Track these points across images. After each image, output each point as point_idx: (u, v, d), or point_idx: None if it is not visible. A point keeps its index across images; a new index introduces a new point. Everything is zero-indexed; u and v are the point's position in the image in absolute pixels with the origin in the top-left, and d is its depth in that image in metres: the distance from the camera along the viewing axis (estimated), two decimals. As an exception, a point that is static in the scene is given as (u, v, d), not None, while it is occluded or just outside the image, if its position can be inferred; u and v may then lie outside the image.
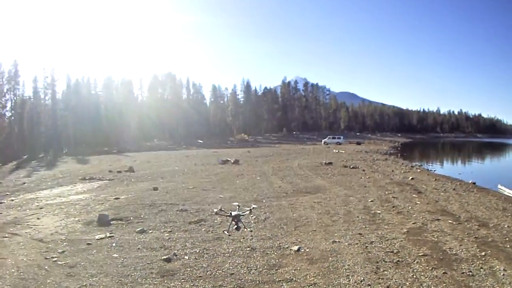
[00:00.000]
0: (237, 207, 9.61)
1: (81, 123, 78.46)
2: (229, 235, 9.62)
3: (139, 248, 11.49)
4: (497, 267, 9.91)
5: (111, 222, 14.47)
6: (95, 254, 10.86)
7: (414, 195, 20.38)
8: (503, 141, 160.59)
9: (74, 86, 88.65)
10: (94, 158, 52.51)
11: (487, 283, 8.94)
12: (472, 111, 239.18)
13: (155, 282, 9.00)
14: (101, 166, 40.87)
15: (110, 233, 12.91)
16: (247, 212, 9.40)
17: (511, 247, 11.64)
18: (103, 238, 12.45)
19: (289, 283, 9.08)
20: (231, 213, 8.86)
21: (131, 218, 15.16)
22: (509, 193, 23.86)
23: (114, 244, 11.80)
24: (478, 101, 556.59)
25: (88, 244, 11.81)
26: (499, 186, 26.25)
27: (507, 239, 12.46)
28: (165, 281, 9.08)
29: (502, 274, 9.48)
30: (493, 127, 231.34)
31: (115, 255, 10.83)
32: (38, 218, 15.21)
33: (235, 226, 8.84)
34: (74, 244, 11.76)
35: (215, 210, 10.93)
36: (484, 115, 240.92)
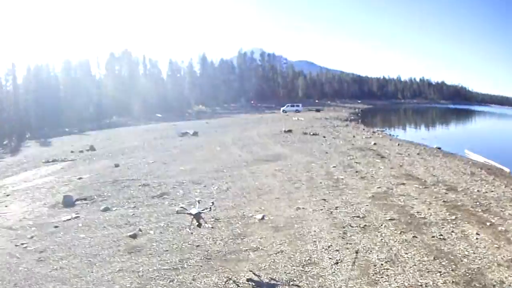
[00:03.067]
0: (197, 202, 9.73)
1: (42, 107, 77.04)
2: (192, 233, 9.71)
3: (104, 227, 11.58)
4: (470, 231, 10.10)
5: (76, 203, 14.49)
6: (62, 236, 10.89)
7: (377, 160, 20.74)
8: (467, 107, 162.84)
9: (34, 70, 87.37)
10: (56, 140, 51.52)
11: (460, 247, 9.09)
12: (435, 79, 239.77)
13: (123, 260, 9.07)
14: (63, 147, 40.15)
15: (75, 214, 12.97)
16: (208, 210, 9.54)
17: (482, 212, 11.87)
18: (69, 219, 12.48)
19: (256, 251, 9.24)
20: (191, 212, 8.97)
21: (95, 196, 15.18)
22: (477, 158, 24.19)
23: (80, 225, 11.85)
24: (441, 69, 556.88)
25: (56, 227, 11.81)
26: (466, 151, 26.71)
27: (477, 203, 12.71)
28: (133, 258, 9.16)
29: (475, 238, 9.65)
30: (457, 94, 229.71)
31: (82, 235, 10.89)
32: (6, 206, 15.09)
33: (197, 224, 8.96)
34: (42, 228, 11.75)
35: (176, 209, 11.03)
36: (448, 83, 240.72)
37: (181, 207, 9.99)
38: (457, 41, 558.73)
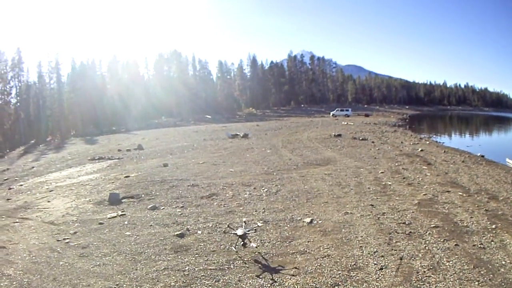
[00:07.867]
0: (244, 223, 9.82)
1: (88, 105, 77.62)
2: (236, 252, 9.68)
3: (151, 225, 11.60)
4: (508, 240, 9.86)
5: (123, 201, 14.57)
6: (107, 233, 10.96)
7: (424, 167, 20.30)
8: (510, 115, 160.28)
9: (79, 69, 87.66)
10: (103, 138, 52.27)
11: (498, 256, 8.91)
12: (478, 85, 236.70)
13: (169, 258, 9.07)
14: (110, 145, 40.78)
15: (121, 212, 13.04)
16: (253, 231, 9.60)
17: (520, 222, 11.61)
18: (115, 216, 12.55)
19: (303, 255, 9.13)
20: (236, 233, 9.04)
21: (142, 195, 15.23)
22: None
23: (126, 222, 11.91)
24: (484, 75, 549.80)
25: (100, 223, 11.92)
26: (507, 160, 26.18)
27: (516, 213, 12.42)
28: (179, 257, 9.15)
29: (512, 248, 9.46)
30: (499, 101, 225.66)
31: (127, 233, 10.95)
32: (48, 201, 15.30)
33: (242, 243, 9.00)
34: (86, 225, 11.87)
35: (223, 228, 11.03)
36: (490, 89, 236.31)
37: (228, 226, 10.07)
38: (498, 48, 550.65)
